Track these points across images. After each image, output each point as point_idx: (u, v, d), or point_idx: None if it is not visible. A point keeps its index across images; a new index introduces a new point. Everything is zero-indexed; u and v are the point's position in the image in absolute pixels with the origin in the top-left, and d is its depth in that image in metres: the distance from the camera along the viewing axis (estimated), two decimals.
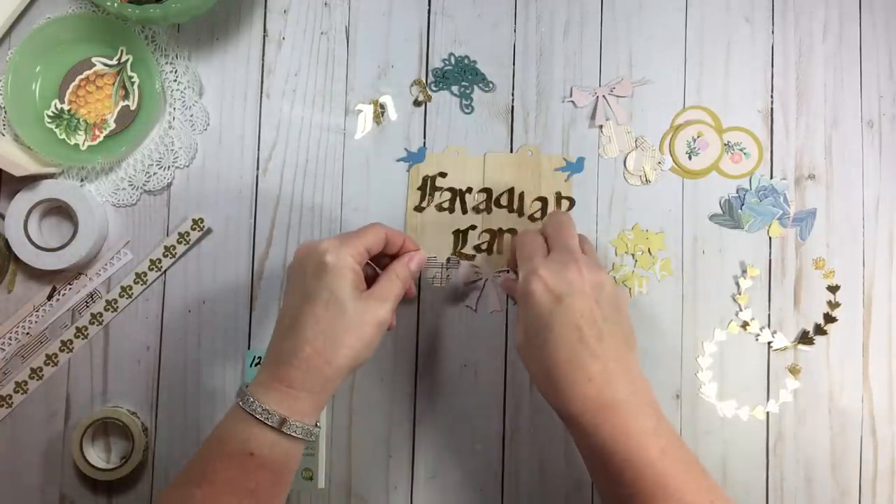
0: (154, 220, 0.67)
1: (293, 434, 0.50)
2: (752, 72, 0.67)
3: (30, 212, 0.65)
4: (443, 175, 0.67)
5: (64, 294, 0.67)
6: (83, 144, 0.65)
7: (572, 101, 0.67)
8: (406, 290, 0.56)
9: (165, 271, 0.67)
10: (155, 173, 0.67)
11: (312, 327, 0.51)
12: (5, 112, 0.66)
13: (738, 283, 0.66)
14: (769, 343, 0.65)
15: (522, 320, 0.52)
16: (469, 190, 0.67)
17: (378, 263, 0.59)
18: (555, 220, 0.57)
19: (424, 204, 0.67)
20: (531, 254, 0.54)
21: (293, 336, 0.51)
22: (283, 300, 0.55)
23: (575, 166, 0.67)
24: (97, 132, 0.65)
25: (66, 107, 0.65)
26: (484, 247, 0.66)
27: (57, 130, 0.65)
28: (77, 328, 0.66)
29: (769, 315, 0.66)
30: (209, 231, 0.67)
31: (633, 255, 0.66)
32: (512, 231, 0.66)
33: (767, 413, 0.65)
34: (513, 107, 0.67)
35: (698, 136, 0.67)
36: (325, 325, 0.51)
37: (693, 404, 0.65)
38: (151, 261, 0.66)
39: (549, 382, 0.50)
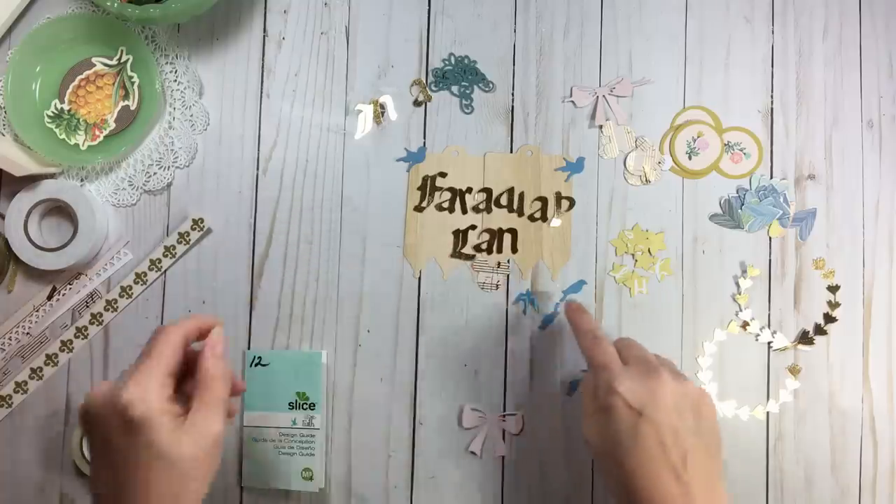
0: (154, 220, 0.67)
1: None
2: (752, 72, 0.67)
3: (30, 212, 0.65)
4: (443, 175, 0.67)
5: (64, 294, 0.67)
6: (83, 144, 0.65)
7: (572, 101, 0.67)
8: (228, 381, 0.50)
9: (165, 271, 0.67)
10: (155, 173, 0.67)
11: (145, 495, 0.44)
12: (5, 112, 0.66)
13: (738, 283, 0.66)
14: (769, 343, 0.65)
15: (601, 428, 0.50)
16: (469, 190, 0.67)
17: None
18: (623, 340, 0.56)
19: (424, 204, 0.67)
20: (608, 362, 0.52)
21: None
22: (91, 466, 0.48)
23: (575, 166, 0.67)
24: (97, 132, 0.65)
25: (66, 107, 0.65)
26: (484, 247, 0.66)
27: (57, 130, 0.65)
28: (77, 328, 0.66)
29: (769, 315, 0.66)
30: (209, 231, 0.67)
31: (633, 255, 0.66)
32: (512, 231, 0.66)
33: (767, 413, 0.65)
34: (513, 107, 0.67)
35: (698, 136, 0.67)
36: (161, 488, 0.44)
37: None
38: (151, 261, 0.66)
39: (626, 493, 0.48)
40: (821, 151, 0.67)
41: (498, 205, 0.67)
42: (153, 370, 0.47)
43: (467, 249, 0.66)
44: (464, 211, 0.67)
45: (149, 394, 0.45)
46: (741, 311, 0.66)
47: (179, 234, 0.66)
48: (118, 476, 0.45)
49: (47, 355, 0.66)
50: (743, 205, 0.66)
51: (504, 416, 0.65)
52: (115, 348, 0.67)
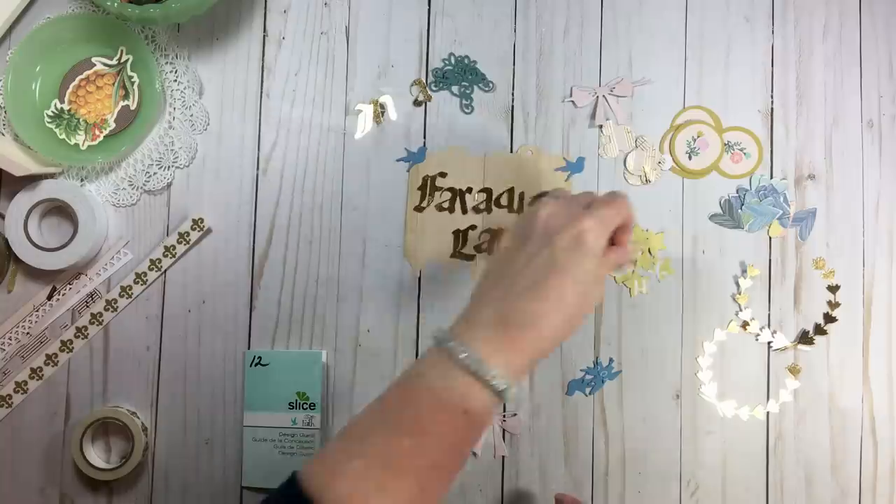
0: (154, 220, 0.67)
1: (508, 399, 0.48)
2: (752, 72, 0.67)
3: (30, 212, 0.65)
4: (443, 175, 0.67)
5: (64, 294, 0.67)
6: (83, 144, 0.65)
7: (572, 101, 0.67)
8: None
9: (165, 271, 0.67)
10: (155, 173, 0.67)
11: (557, 301, 0.48)
12: (5, 112, 0.66)
13: (738, 283, 0.66)
14: (769, 343, 0.65)
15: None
16: (469, 190, 0.67)
17: None
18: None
19: (424, 204, 0.67)
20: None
21: (535, 303, 0.48)
22: (518, 254, 0.51)
23: (575, 166, 0.67)
24: (97, 132, 0.65)
25: (66, 107, 0.65)
26: (484, 247, 0.66)
27: (57, 130, 0.65)
28: (77, 328, 0.66)
29: (769, 315, 0.66)
30: (209, 231, 0.67)
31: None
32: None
33: (767, 413, 0.65)
34: (513, 107, 0.67)
35: (698, 136, 0.67)
36: (569, 301, 0.49)
37: (693, 404, 0.65)
38: (151, 261, 0.66)
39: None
40: (821, 151, 0.67)
41: (498, 205, 0.67)
42: (612, 220, 0.51)
43: (467, 249, 0.66)
44: (464, 211, 0.67)
45: (604, 232, 0.50)
46: (741, 311, 0.66)
47: (179, 234, 0.66)
48: (549, 276, 0.49)
49: (47, 355, 0.66)
50: (743, 205, 0.66)
51: (504, 416, 0.65)
52: (115, 348, 0.67)
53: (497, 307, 0.49)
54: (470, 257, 0.66)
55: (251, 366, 0.65)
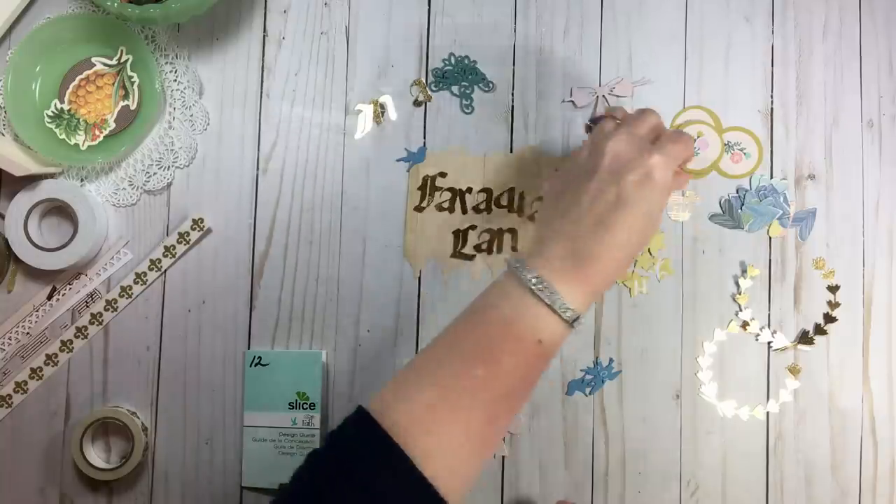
0: (154, 220, 0.67)
1: (578, 328, 0.50)
2: (752, 72, 0.67)
3: (30, 212, 0.65)
4: (443, 175, 0.67)
5: (64, 294, 0.67)
6: (83, 144, 0.65)
7: (572, 101, 0.67)
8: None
9: (165, 271, 0.67)
10: (155, 173, 0.67)
11: (625, 237, 0.50)
12: (5, 112, 0.66)
13: (738, 283, 0.66)
14: (769, 343, 0.65)
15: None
16: (469, 190, 0.67)
17: None
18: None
19: (424, 204, 0.67)
20: None
21: (604, 238, 0.49)
22: (586, 187, 0.51)
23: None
24: (97, 132, 0.65)
25: (66, 107, 0.65)
26: (484, 247, 0.66)
27: (57, 130, 0.65)
28: (77, 328, 0.66)
29: (769, 315, 0.66)
30: (209, 231, 0.67)
31: None
32: (512, 231, 0.66)
33: (767, 413, 0.65)
34: (513, 107, 0.67)
35: (698, 136, 0.67)
36: (635, 238, 0.50)
37: (693, 404, 0.65)
38: (151, 261, 0.66)
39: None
40: (821, 151, 0.67)
41: (498, 205, 0.67)
42: (679, 156, 0.53)
43: (467, 249, 0.66)
44: (464, 211, 0.67)
45: (671, 169, 0.51)
46: (741, 311, 0.66)
47: (179, 234, 0.66)
48: (617, 211, 0.50)
49: (47, 355, 0.66)
50: (743, 205, 0.66)
51: None
52: (115, 348, 0.67)
53: (567, 241, 0.50)
54: (470, 257, 0.66)
55: (251, 366, 0.65)
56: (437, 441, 0.45)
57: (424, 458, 0.44)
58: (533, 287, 0.48)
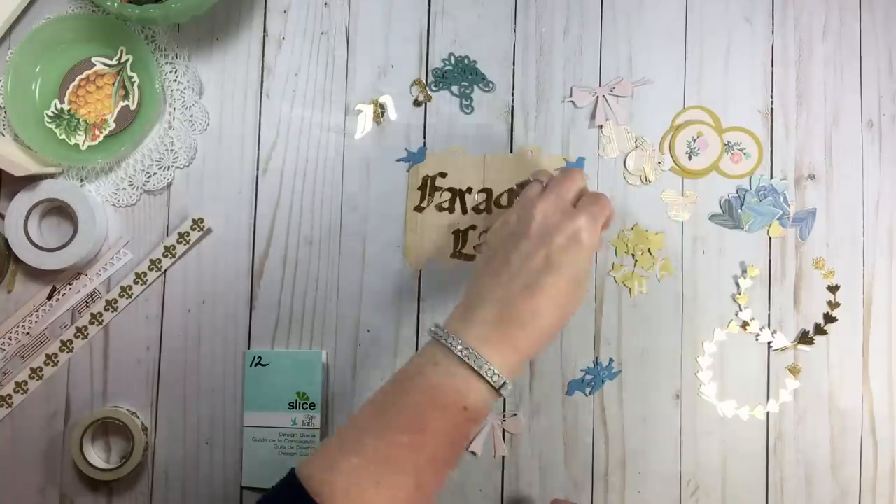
0: (154, 220, 0.67)
1: (506, 394, 0.50)
2: (752, 72, 0.67)
3: (30, 212, 0.65)
4: (443, 175, 0.67)
5: (64, 294, 0.67)
6: (83, 144, 0.65)
7: (572, 101, 0.67)
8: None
9: (165, 271, 0.67)
10: (155, 173, 0.67)
11: (553, 300, 0.50)
12: (5, 112, 0.66)
13: (738, 283, 0.66)
14: (769, 343, 0.65)
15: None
16: (469, 190, 0.67)
17: None
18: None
19: (424, 204, 0.67)
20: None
21: (531, 302, 0.50)
22: (514, 252, 0.52)
23: (575, 166, 0.67)
24: (97, 132, 0.65)
25: (66, 107, 0.65)
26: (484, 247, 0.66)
27: (57, 130, 0.65)
28: (77, 328, 0.66)
29: (769, 315, 0.66)
30: (209, 231, 0.67)
31: (633, 255, 0.66)
32: None
33: (767, 413, 0.65)
34: (513, 107, 0.67)
35: (698, 136, 0.67)
36: (564, 301, 0.51)
37: (693, 404, 0.65)
38: (151, 261, 0.66)
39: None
40: (821, 151, 0.67)
41: (498, 205, 0.67)
42: (602, 217, 0.53)
43: (467, 249, 0.66)
44: (464, 211, 0.67)
45: (597, 231, 0.52)
46: (741, 311, 0.66)
47: (179, 234, 0.66)
48: (545, 275, 0.50)
49: (47, 355, 0.66)
50: (743, 205, 0.66)
51: (504, 416, 0.65)
52: (115, 348, 0.67)
53: (494, 305, 0.50)
54: (470, 257, 0.66)
55: (251, 366, 0.65)
56: None
57: None
58: (459, 354, 0.49)
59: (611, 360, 0.65)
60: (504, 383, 0.49)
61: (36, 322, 0.67)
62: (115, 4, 0.60)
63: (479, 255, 0.57)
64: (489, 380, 0.48)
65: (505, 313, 0.50)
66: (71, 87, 0.66)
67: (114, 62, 0.66)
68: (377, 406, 0.50)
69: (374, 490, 0.46)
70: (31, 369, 0.66)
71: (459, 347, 0.49)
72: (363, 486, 0.46)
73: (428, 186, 0.67)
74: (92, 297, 0.67)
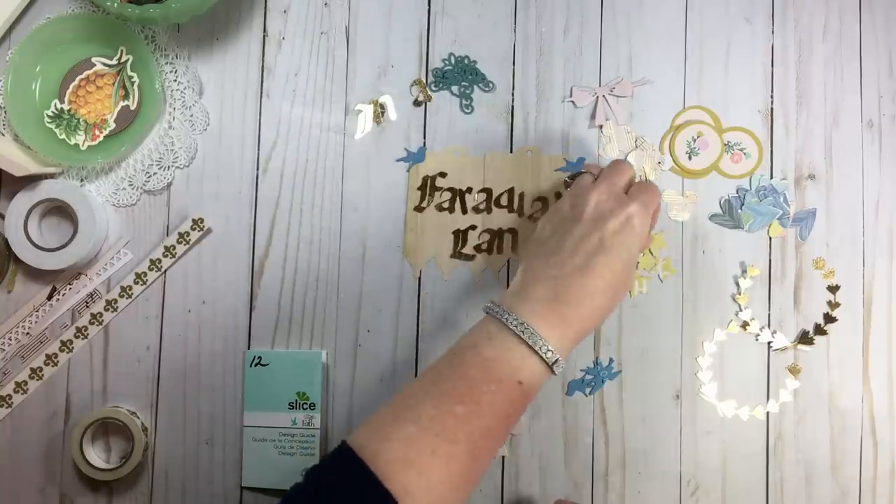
0: (154, 220, 0.67)
1: (558, 371, 0.51)
2: (752, 72, 0.67)
3: (30, 212, 0.65)
4: (443, 175, 0.67)
5: (64, 294, 0.67)
6: (83, 144, 0.65)
7: (572, 101, 0.67)
8: None
9: (165, 271, 0.67)
10: (155, 173, 0.67)
11: (606, 281, 0.52)
12: (5, 112, 0.66)
13: (738, 283, 0.66)
14: (769, 343, 0.65)
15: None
16: (469, 190, 0.67)
17: None
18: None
19: (424, 204, 0.67)
20: None
21: (585, 282, 0.51)
22: (569, 234, 0.54)
23: (575, 166, 0.67)
24: (97, 132, 0.65)
25: (66, 107, 0.65)
26: (484, 247, 0.66)
27: (57, 130, 0.65)
28: (77, 328, 0.66)
29: (769, 315, 0.66)
30: (209, 231, 0.67)
31: None
32: (512, 231, 0.66)
33: (767, 413, 0.65)
34: (513, 107, 0.67)
35: (698, 136, 0.67)
36: (615, 283, 0.52)
37: (693, 404, 0.65)
38: (151, 261, 0.66)
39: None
40: (821, 151, 0.67)
41: (498, 205, 0.67)
42: (654, 206, 0.56)
43: (467, 249, 0.66)
44: (464, 211, 0.67)
45: (648, 217, 0.55)
46: (741, 311, 0.66)
47: (179, 234, 0.66)
48: (598, 256, 0.52)
49: (47, 355, 0.66)
50: (743, 205, 0.66)
51: None
52: (115, 348, 0.67)
53: (548, 284, 0.52)
54: (470, 257, 0.66)
55: (251, 366, 0.65)
56: (418, 478, 0.46)
57: (405, 494, 0.45)
58: (514, 329, 0.50)
59: (611, 360, 0.66)
60: (557, 360, 0.50)
61: (36, 322, 0.67)
62: (115, 4, 0.60)
63: (529, 241, 0.58)
64: (543, 356, 0.49)
65: (560, 292, 0.51)
66: (71, 87, 0.66)
67: (114, 62, 0.66)
68: (432, 378, 0.50)
69: (429, 458, 0.46)
70: (31, 369, 0.66)
71: (514, 322, 0.50)
72: (419, 454, 0.46)
73: (428, 186, 0.67)
74: (92, 297, 0.67)
